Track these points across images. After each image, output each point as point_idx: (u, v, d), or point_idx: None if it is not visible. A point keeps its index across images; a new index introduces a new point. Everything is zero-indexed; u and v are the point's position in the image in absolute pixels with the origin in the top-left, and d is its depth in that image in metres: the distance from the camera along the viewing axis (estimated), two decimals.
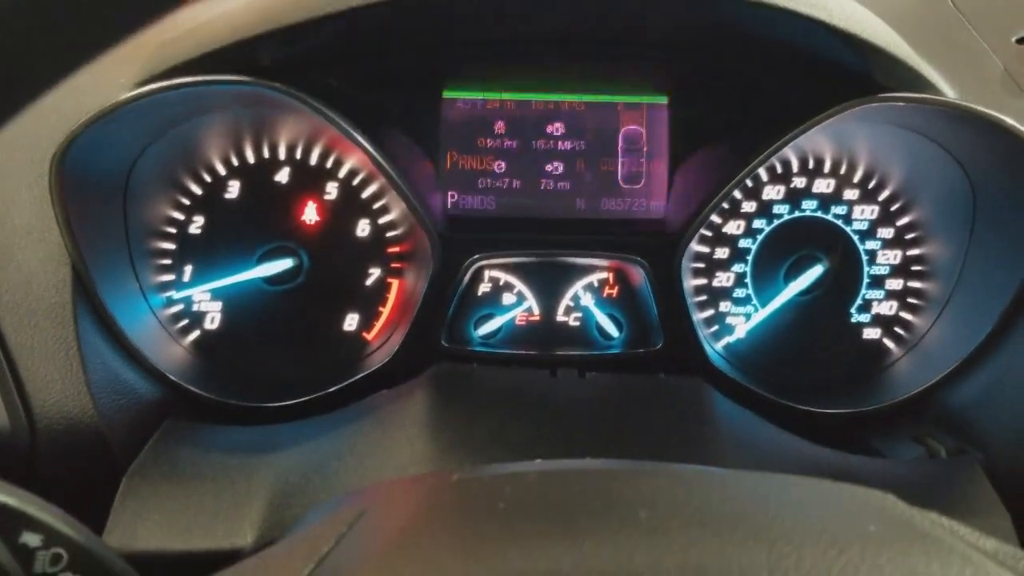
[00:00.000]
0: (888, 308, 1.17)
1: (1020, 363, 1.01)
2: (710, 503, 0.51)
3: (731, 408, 1.00)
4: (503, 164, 1.14)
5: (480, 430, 0.88)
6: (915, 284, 1.17)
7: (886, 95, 0.98)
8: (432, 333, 1.11)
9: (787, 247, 1.17)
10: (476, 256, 1.10)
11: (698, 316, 1.16)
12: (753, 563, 0.43)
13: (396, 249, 1.15)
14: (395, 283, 1.15)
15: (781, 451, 0.94)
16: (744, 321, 1.17)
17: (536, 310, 1.15)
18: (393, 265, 1.15)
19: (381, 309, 1.15)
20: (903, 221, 1.16)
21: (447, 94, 1.14)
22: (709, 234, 1.15)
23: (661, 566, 0.43)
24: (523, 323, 1.16)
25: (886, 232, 1.16)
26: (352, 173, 1.13)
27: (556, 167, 1.14)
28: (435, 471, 0.82)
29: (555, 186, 1.14)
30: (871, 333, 1.18)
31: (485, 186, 1.14)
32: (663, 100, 1.15)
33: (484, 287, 1.15)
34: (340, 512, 0.56)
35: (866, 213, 1.16)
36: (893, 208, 1.16)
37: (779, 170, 1.15)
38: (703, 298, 1.17)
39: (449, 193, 1.14)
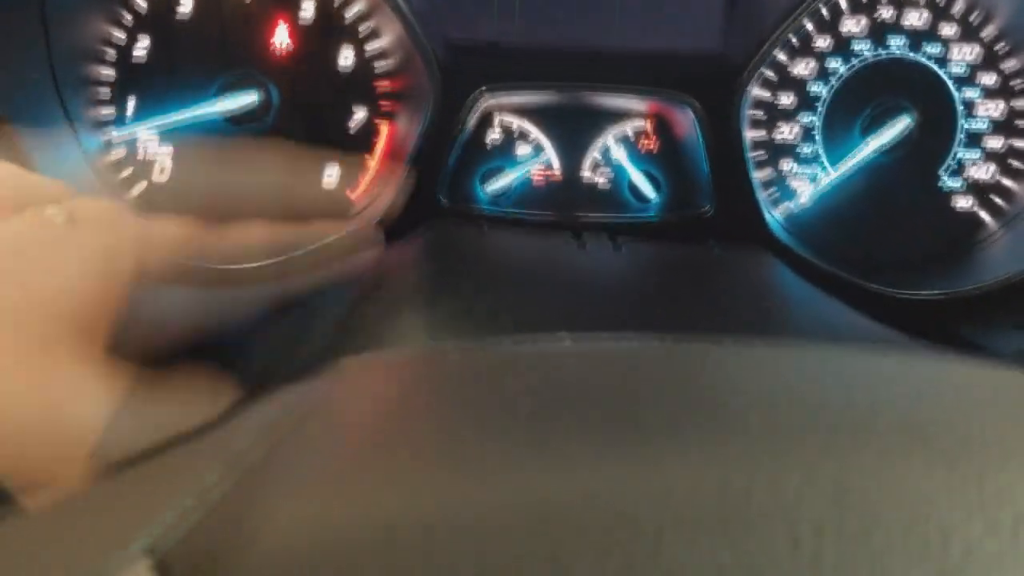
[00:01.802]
0: (986, 172, 0.96)
1: None
2: (842, 394, 0.31)
3: (806, 288, 0.79)
4: None
5: (485, 302, 0.68)
6: (1020, 143, 0.95)
7: None
8: (428, 189, 0.90)
9: (867, 95, 0.95)
10: (484, 88, 0.88)
11: (755, 176, 0.95)
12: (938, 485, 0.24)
13: (387, 85, 0.93)
14: (385, 127, 0.94)
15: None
16: (810, 184, 0.96)
17: (556, 165, 0.94)
18: (382, 105, 0.93)
19: (368, 160, 0.94)
20: (1010, 65, 0.94)
21: None
22: (772, 76, 0.94)
23: (794, 491, 0.23)
24: (540, 180, 0.95)
25: (989, 79, 0.94)
26: None
27: None
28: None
29: (586, 6, 0.92)
30: (964, 202, 0.97)
31: (499, 4, 0.91)
32: None
33: (494, 135, 0.94)
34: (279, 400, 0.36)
35: (966, 54, 0.94)
36: (998, 49, 0.94)
37: None
38: (761, 155, 0.96)
39: (453, 15, 0.92)
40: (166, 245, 0.54)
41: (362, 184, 0.94)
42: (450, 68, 0.87)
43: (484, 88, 0.88)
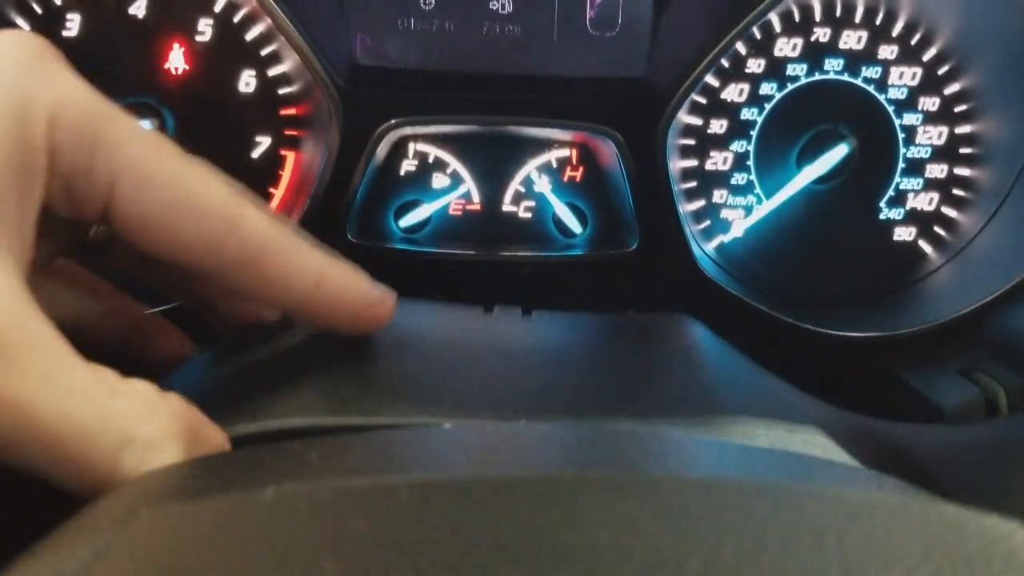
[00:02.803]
0: (927, 201, 0.92)
1: None
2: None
3: (730, 362, 0.73)
4: (432, 0, 0.85)
5: (373, 383, 0.62)
6: (963, 171, 0.91)
7: None
8: (335, 225, 0.84)
9: (802, 120, 0.90)
10: (393, 122, 0.82)
11: (685, 208, 0.90)
12: None
13: (292, 111, 0.87)
14: (290, 156, 0.88)
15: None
16: (744, 216, 0.91)
17: (476, 197, 0.89)
18: (287, 132, 0.87)
19: (272, 190, 0.88)
20: (952, 88, 0.90)
21: None
22: (703, 101, 0.88)
23: None
24: (459, 213, 0.89)
25: (930, 103, 0.90)
26: (232, 7, 0.84)
27: (503, 5, 0.85)
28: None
29: (501, 30, 0.86)
30: (904, 233, 0.92)
31: (407, 28, 0.85)
32: None
33: (408, 165, 0.88)
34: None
35: (906, 77, 0.89)
36: (940, 71, 0.89)
37: (796, 17, 0.88)
38: (692, 185, 0.90)
39: (359, 37, 0.85)
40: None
41: None
42: (354, 96, 0.81)
43: (393, 121, 0.82)
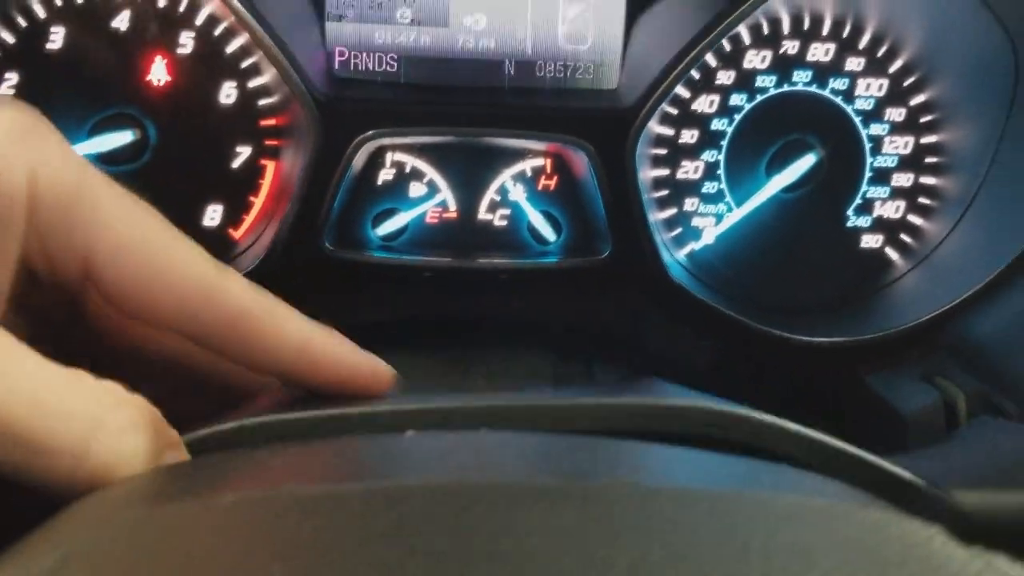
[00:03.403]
0: (893, 210, 0.94)
1: None
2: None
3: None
4: (408, 13, 0.87)
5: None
6: (928, 180, 0.93)
7: None
8: (312, 233, 0.86)
9: (771, 131, 0.92)
10: (370, 133, 0.84)
11: (656, 216, 0.92)
12: None
13: (272, 122, 0.89)
14: (270, 166, 0.90)
15: None
16: (714, 223, 0.93)
17: (452, 205, 0.91)
18: (267, 142, 0.89)
19: (252, 199, 0.90)
20: (918, 100, 0.92)
21: None
22: (674, 112, 0.90)
23: None
24: (435, 221, 0.91)
25: (896, 113, 0.92)
26: (212, 20, 0.86)
27: (478, 19, 0.87)
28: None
29: (476, 44, 0.88)
30: (871, 240, 0.94)
31: (384, 41, 0.87)
32: None
33: (386, 174, 0.90)
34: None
35: (872, 88, 0.91)
36: (906, 83, 0.92)
37: (765, 30, 0.90)
38: (664, 194, 0.93)
39: (337, 49, 0.87)
40: None
41: (245, 223, 0.90)
42: (332, 107, 0.83)
43: (370, 132, 0.84)
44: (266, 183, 0.90)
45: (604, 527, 0.28)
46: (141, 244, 0.38)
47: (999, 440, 0.74)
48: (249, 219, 0.90)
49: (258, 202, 0.90)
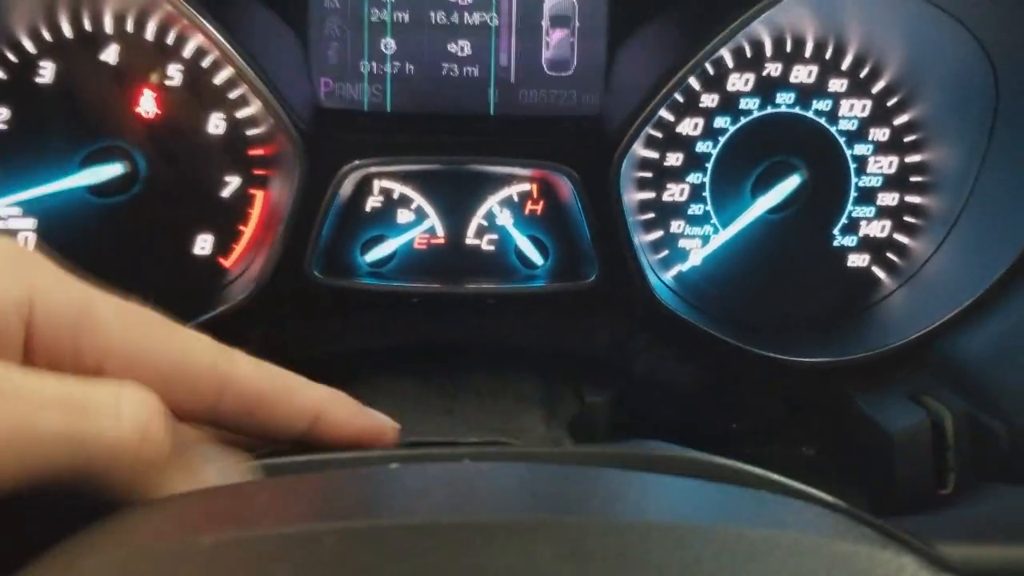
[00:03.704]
0: (879, 229, 0.94)
1: None
2: None
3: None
4: (392, 43, 0.88)
5: None
6: (914, 199, 0.93)
7: None
8: (300, 261, 0.86)
9: (756, 152, 0.93)
10: (357, 162, 0.85)
11: (643, 239, 0.93)
12: None
13: (260, 151, 0.90)
14: (259, 195, 0.90)
15: None
16: (701, 245, 0.94)
17: (440, 231, 0.91)
18: (256, 172, 0.90)
19: (242, 228, 0.91)
20: (901, 119, 0.92)
21: None
22: (658, 135, 0.91)
23: None
24: (424, 247, 0.92)
25: (880, 133, 0.93)
26: (200, 52, 0.87)
27: (462, 47, 0.88)
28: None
29: (461, 72, 0.89)
30: (858, 260, 0.95)
31: (369, 72, 0.88)
32: None
33: (374, 201, 0.90)
34: None
35: (856, 109, 0.92)
36: (890, 103, 0.92)
37: (748, 53, 0.91)
38: (650, 216, 0.93)
39: (322, 80, 0.88)
40: None
41: (235, 251, 0.91)
42: (317, 137, 0.84)
43: (357, 162, 0.84)
44: (255, 212, 0.91)
45: (576, 565, 0.29)
46: (150, 351, 0.39)
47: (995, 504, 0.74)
48: (239, 248, 0.91)
49: (248, 231, 0.91)
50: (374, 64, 0.88)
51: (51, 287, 0.39)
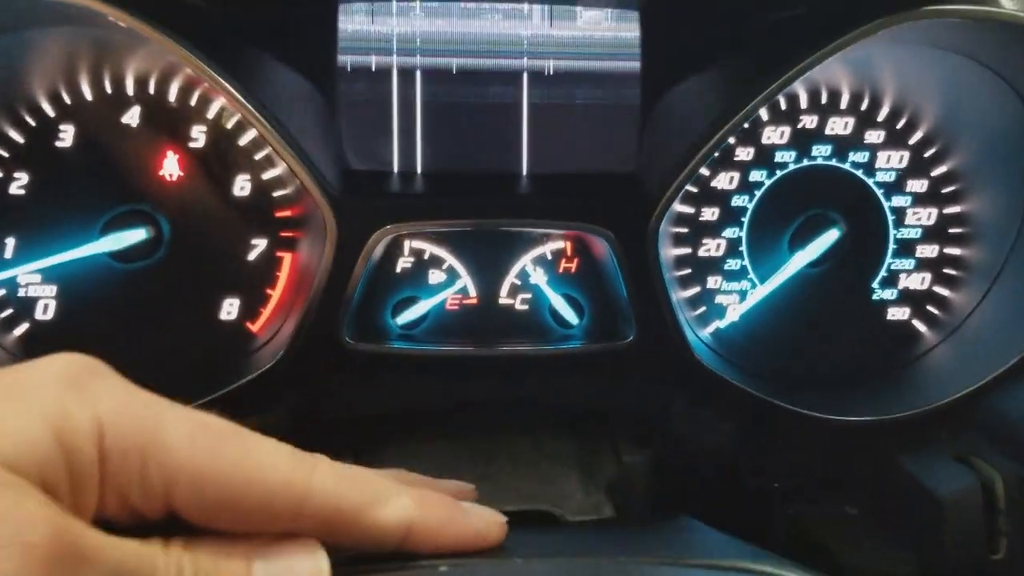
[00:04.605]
0: (920, 281, 0.92)
1: None
2: None
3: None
4: (423, 102, 0.86)
5: None
6: (954, 250, 0.92)
7: (937, 8, 0.72)
8: (332, 328, 0.84)
9: (793, 206, 0.91)
10: (389, 227, 0.83)
11: (680, 295, 0.91)
12: None
13: (287, 213, 0.87)
14: (287, 257, 0.88)
15: None
16: (738, 301, 0.92)
17: (473, 291, 0.89)
18: (283, 234, 0.88)
19: (270, 292, 0.88)
20: (940, 170, 0.91)
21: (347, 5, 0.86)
22: (694, 190, 0.89)
23: None
24: (456, 307, 0.89)
25: (918, 185, 0.91)
26: (224, 113, 0.85)
27: (495, 95, 0.87)
28: None
29: (491, 133, 0.87)
30: (898, 313, 0.93)
31: (398, 133, 0.86)
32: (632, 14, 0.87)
33: (404, 262, 0.88)
34: None
35: (893, 161, 0.91)
36: (927, 154, 0.91)
37: (783, 106, 0.89)
38: (686, 272, 0.91)
39: (351, 143, 0.86)
40: None
41: (263, 316, 0.88)
42: (347, 200, 0.82)
43: (389, 226, 0.82)
44: (283, 275, 0.88)
45: None
46: (220, 471, 0.37)
47: None
48: (267, 312, 0.88)
49: (275, 295, 0.88)
50: (403, 125, 0.86)
51: (118, 408, 0.37)
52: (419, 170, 0.87)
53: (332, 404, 0.89)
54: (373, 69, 0.86)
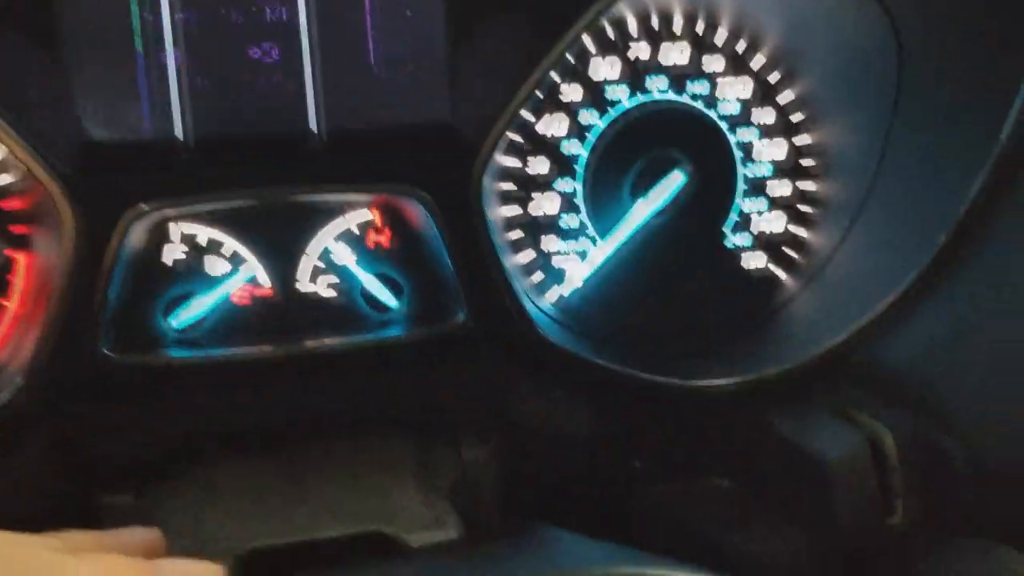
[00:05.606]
0: (774, 223, 0.84)
1: (986, 297, 0.69)
2: None
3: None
4: (178, 54, 0.69)
5: None
6: (809, 186, 0.83)
7: None
8: (86, 337, 0.67)
9: (631, 149, 0.81)
10: (143, 207, 0.66)
11: (512, 261, 0.79)
12: None
13: (16, 205, 0.70)
14: (21, 259, 0.71)
15: None
16: (580, 262, 0.80)
17: (265, 280, 0.74)
18: (13, 230, 0.70)
19: (4, 302, 0.71)
20: (787, 97, 0.82)
21: None
22: (518, 139, 0.77)
23: None
24: (246, 302, 0.74)
25: (765, 115, 0.82)
26: None
27: (267, 50, 0.71)
28: None
29: (268, 82, 0.71)
30: (754, 260, 0.84)
31: (148, 92, 0.69)
32: None
33: (174, 251, 0.72)
34: None
35: (736, 90, 0.81)
36: (772, 79, 0.81)
37: (611, 35, 0.77)
38: (517, 235, 0.79)
39: (88, 109, 0.69)
40: None
41: None
42: (87, 179, 0.65)
43: (143, 205, 0.66)
44: (18, 281, 0.71)
45: None
46: None
47: None
48: (2, 329, 0.71)
49: (11, 305, 0.71)
50: (154, 82, 0.69)
51: None
52: (179, 135, 0.70)
53: (99, 433, 0.72)
54: (110, 17, 0.69)
